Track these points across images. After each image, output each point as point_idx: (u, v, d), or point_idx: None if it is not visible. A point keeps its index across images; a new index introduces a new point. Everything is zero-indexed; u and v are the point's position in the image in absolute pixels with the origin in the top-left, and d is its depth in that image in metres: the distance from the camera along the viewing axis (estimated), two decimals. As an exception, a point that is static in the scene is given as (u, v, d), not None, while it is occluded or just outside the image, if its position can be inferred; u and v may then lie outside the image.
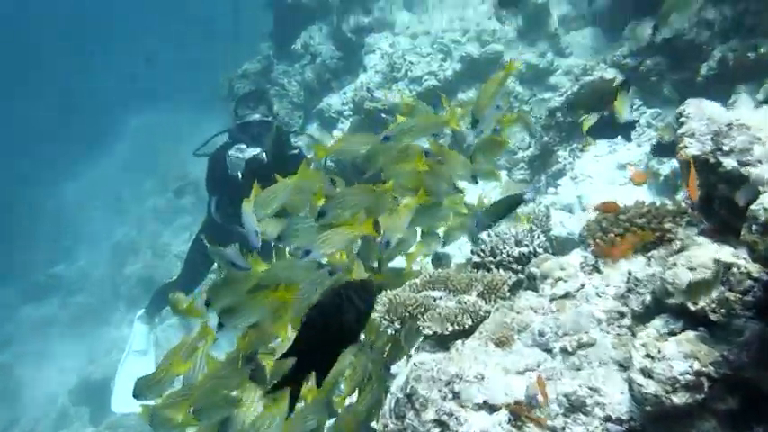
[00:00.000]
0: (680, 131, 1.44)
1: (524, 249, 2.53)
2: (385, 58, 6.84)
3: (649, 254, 2.04)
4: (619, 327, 1.79)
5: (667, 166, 3.24)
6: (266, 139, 4.18)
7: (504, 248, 2.52)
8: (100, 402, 6.50)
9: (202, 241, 4.71)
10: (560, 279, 2.01)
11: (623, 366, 1.63)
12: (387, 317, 2.07)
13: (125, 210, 11.53)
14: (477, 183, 2.58)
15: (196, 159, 4.53)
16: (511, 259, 2.51)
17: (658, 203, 2.21)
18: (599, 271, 2.04)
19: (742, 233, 1.16)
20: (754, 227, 1.12)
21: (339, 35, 7.71)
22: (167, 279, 5.58)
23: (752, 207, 1.13)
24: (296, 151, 4.49)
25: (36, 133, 17.59)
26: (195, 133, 6.50)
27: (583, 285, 1.97)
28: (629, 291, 1.83)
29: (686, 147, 1.39)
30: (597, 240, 2.09)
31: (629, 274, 1.85)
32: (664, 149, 3.30)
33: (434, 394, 1.69)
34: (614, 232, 2.09)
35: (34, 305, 9.71)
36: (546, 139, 3.95)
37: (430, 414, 1.67)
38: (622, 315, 1.83)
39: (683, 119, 1.44)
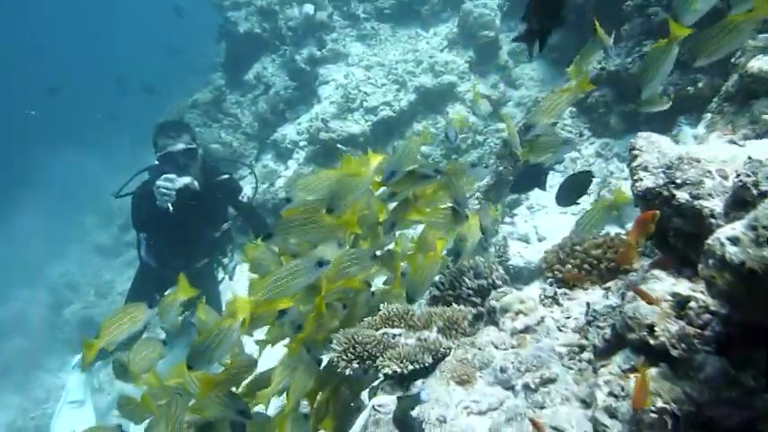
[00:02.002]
0: (633, 164, 1.45)
1: (483, 282, 2.50)
2: (339, 89, 6.86)
3: (606, 285, 2.06)
4: (579, 361, 1.78)
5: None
6: (193, 168, 4.01)
7: (464, 281, 2.49)
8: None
9: (138, 286, 4.49)
10: (520, 312, 2.00)
11: (586, 403, 1.61)
12: (345, 356, 2.00)
13: (64, 249, 11.07)
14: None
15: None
16: (470, 292, 2.48)
17: (613, 234, 2.24)
18: (558, 303, 2.04)
19: (699, 268, 1.16)
20: (711, 261, 1.12)
21: (293, 66, 7.70)
22: None
23: (708, 242, 1.13)
24: (225, 177, 4.32)
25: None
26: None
27: (543, 318, 1.96)
28: (588, 323, 1.83)
29: (640, 179, 1.40)
30: (557, 272, 2.09)
31: (588, 306, 1.85)
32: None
33: (395, 439, 1.63)
34: (571, 263, 2.10)
35: (-39, 352, 9.13)
36: (501, 168, 3.98)
37: (391, 460, 1.60)
38: (583, 348, 1.82)
39: (635, 152, 1.45)
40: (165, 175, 3.82)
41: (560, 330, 1.92)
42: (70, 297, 9.18)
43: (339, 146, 6.32)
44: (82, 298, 8.98)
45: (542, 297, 2.05)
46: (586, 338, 1.84)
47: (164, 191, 3.77)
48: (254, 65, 8.61)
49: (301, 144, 6.99)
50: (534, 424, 1.44)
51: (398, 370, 1.88)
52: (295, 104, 7.69)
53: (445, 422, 1.63)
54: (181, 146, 3.98)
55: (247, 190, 4.95)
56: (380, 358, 1.95)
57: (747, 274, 1.05)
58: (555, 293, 2.04)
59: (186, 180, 3.87)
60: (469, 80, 6.14)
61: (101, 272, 9.57)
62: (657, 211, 1.33)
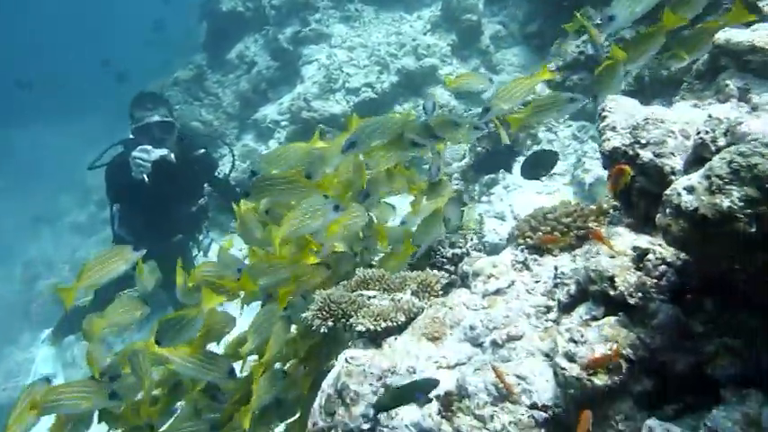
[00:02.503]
0: (602, 125, 1.51)
1: (458, 251, 2.56)
2: (322, 70, 6.85)
3: (574, 252, 2.13)
4: (546, 321, 1.85)
5: (591, 176, 3.39)
6: (169, 141, 3.97)
7: (439, 250, 2.55)
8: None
9: None
10: (492, 276, 2.06)
11: (550, 357, 1.67)
12: (320, 315, 2.04)
13: (38, 228, 10.92)
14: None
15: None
16: (444, 260, 2.54)
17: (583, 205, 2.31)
18: (528, 268, 2.10)
19: (657, 218, 1.22)
20: (668, 210, 1.18)
21: (275, 45, 7.67)
22: (80, 300, 5.25)
23: (666, 192, 1.19)
24: (201, 151, 4.31)
25: None
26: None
27: (513, 282, 2.02)
28: (555, 286, 1.90)
29: (608, 139, 1.46)
30: (528, 238, 2.15)
31: (556, 269, 1.92)
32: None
33: (365, 389, 1.68)
34: (542, 231, 2.16)
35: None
36: (479, 149, 4.04)
37: (360, 409, 1.65)
38: (549, 309, 1.89)
39: (604, 113, 1.51)
40: (140, 146, 3.80)
41: (529, 293, 1.99)
42: (44, 273, 9.07)
43: (321, 126, 6.33)
44: (56, 274, 8.87)
45: (513, 262, 2.11)
46: (553, 300, 1.91)
47: (139, 162, 3.75)
48: (237, 44, 8.54)
49: (283, 124, 6.98)
50: (495, 371, 1.50)
51: (372, 327, 1.93)
52: (277, 84, 7.66)
53: (414, 373, 1.69)
54: (157, 118, 3.95)
55: (225, 168, 4.95)
56: (354, 317, 2.01)
57: (700, 220, 1.12)
58: (525, 259, 2.11)
59: (162, 152, 3.84)
60: (451, 64, 6.19)
61: (76, 250, 9.46)
62: (627, 166, 1.39)
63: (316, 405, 1.77)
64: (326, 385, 1.78)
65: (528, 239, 2.18)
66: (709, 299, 1.32)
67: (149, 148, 3.79)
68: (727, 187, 1.08)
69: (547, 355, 1.69)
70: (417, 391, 1.53)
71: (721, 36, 1.69)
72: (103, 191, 4.29)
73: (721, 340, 1.30)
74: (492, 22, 6.27)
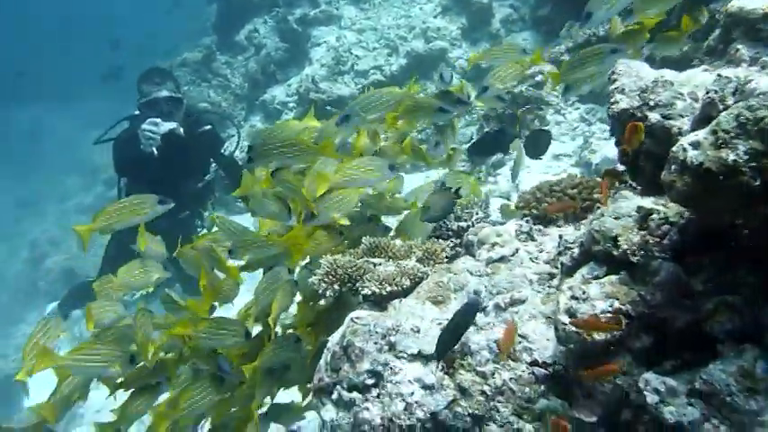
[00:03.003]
0: (611, 87, 1.52)
1: (463, 224, 2.58)
2: (331, 52, 6.85)
3: (579, 222, 2.15)
4: (549, 287, 1.88)
5: (598, 156, 3.40)
6: (176, 116, 3.97)
7: (444, 223, 2.57)
8: (11, 399, 6.15)
9: (119, 236, 4.43)
10: (496, 244, 2.08)
11: (551, 319, 1.70)
12: (326, 279, 2.07)
13: (43, 210, 10.99)
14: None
15: None
16: (450, 233, 2.56)
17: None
18: (533, 238, 2.12)
19: (662, 175, 1.24)
20: (673, 167, 1.20)
21: (285, 27, 7.67)
22: (87, 276, 5.27)
23: (672, 150, 1.20)
24: (208, 127, 4.28)
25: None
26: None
27: (517, 250, 2.04)
28: (559, 254, 1.91)
29: (616, 102, 1.47)
30: (533, 209, 2.17)
31: (560, 237, 1.94)
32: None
33: (370, 346, 1.71)
34: (548, 202, 2.18)
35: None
36: (486, 129, 4.05)
37: (365, 365, 1.68)
38: (553, 276, 1.91)
39: (614, 76, 1.52)
40: (150, 119, 3.81)
41: (533, 261, 2.01)
42: (51, 252, 9.14)
43: (329, 108, 6.34)
44: (65, 251, 8.93)
45: (518, 232, 2.13)
46: (556, 268, 1.93)
47: (149, 134, 3.76)
48: (246, 26, 8.55)
49: (290, 105, 7.00)
50: (508, 327, 1.52)
51: (377, 291, 1.96)
52: (286, 66, 7.67)
53: (419, 332, 1.72)
54: (165, 93, 3.97)
55: (231, 147, 4.97)
56: (360, 281, 2.03)
57: (704, 173, 1.13)
58: (530, 229, 2.13)
59: (172, 125, 3.85)
60: (461, 47, 6.18)
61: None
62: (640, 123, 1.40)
63: (322, 362, 1.80)
64: (332, 343, 1.81)
65: (533, 210, 2.20)
66: (710, 258, 1.34)
67: (159, 121, 3.80)
68: (734, 141, 1.10)
69: (548, 318, 1.71)
70: (467, 317, 1.53)
71: (735, 4, 1.69)
72: (111, 169, 4.31)
73: (720, 298, 1.32)
74: (503, 6, 6.26)
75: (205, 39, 9.23)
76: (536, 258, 2.03)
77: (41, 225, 10.34)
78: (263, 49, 7.99)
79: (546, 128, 3.84)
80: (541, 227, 2.15)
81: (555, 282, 1.88)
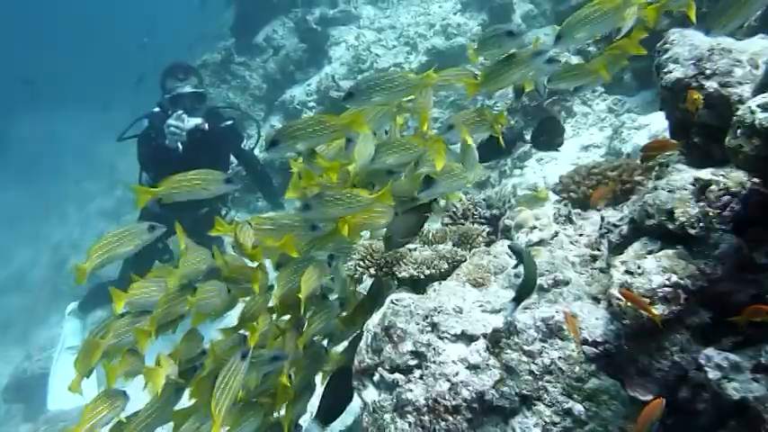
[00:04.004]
0: (663, 58, 1.48)
1: (496, 212, 2.55)
2: (350, 50, 6.84)
3: (621, 204, 2.10)
4: (592, 269, 1.83)
5: (629, 145, 3.34)
6: (200, 111, 3.95)
7: (477, 210, 2.53)
8: (35, 399, 6.19)
9: None
10: (535, 228, 2.04)
11: (597, 300, 1.66)
12: (362, 263, 2.04)
13: (66, 214, 11.10)
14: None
15: None
16: (483, 220, 2.53)
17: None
18: (572, 222, 2.08)
19: (726, 140, 1.19)
20: (739, 131, 1.15)
21: (304, 27, 7.67)
22: (108, 278, 5.28)
23: (738, 112, 1.16)
24: (230, 122, 4.26)
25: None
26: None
27: (557, 233, 2.00)
28: (601, 236, 1.87)
29: (670, 71, 1.43)
30: (572, 192, 2.13)
31: (602, 219, 1.89)
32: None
33: (412, 327, 1.68)
34: (587, 185, 2.14)
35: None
36: (512, 122, 4.01)
37: (408, 346, 1.65)
38: (595, 259, 1.87)
39: (667, 45, 1.48)
40: (176, 114, 3.82)
41: (573, 244, 1.97)
42: (72, 255, 9.23)
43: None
44: (84, 254, 8.99)
45: (556, 215, 2.09)
46: (599, 250, 1.89)
47: (174, 130, 3.76)
48: (264, 27, 8.56)
49: (310, 105, 6.99)
50: (565, 315, 1.48)
51: (415, 274, 1.93)
52: (305, 66, 7.66)
53: (461, 312, 1.68)
54: (189, 88, 3.97)
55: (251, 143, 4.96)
56: (397, 266, 2.00)
57: (774, 136, 1.09)
58: (569, 212, 2.09)
59: (197, 121, 3.85)
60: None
61: (104, 231, 9.62)
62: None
63: (362, 344, 1.77)
64: (372, 325, 1.78)
65: (572, 194, 2.16)
66: (774, 230, 1.29)
67: (184, 115, 3.80)
68: (806, 100, 1.06)
69: (595, 299, 1.67)
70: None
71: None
72: (130, 172, 4.32)
73: (785, 272, 1.27)
74: (524, 1, 6.20)
75: (223, 42, 9.26)
76: (576, 241, 1.99)
77: (64, 229, 10.44)
78: (281, 49, 7.99)
79: (552, 115, 3.74)
80: (580, 210, 2.11)
81: (597, 264, 1.83)
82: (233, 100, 8.24)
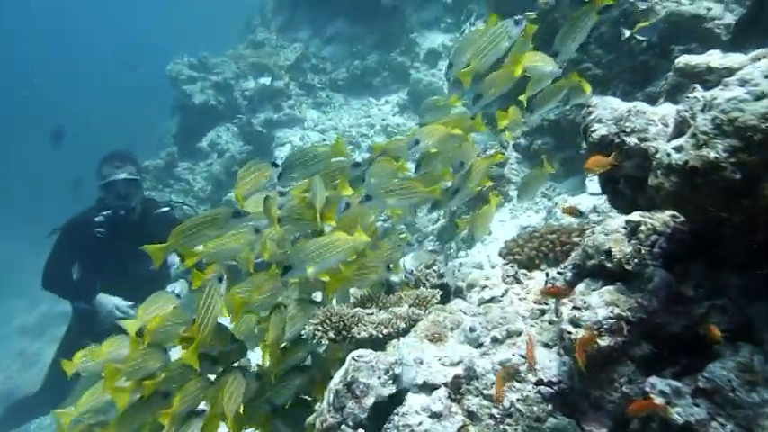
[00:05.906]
0: (588, 119, 1.68)
1: (444, 280, 2.65)
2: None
3: (563, 264, 2.25)
4: (541, 321, 1.93)
5: (563, 224, 3.58)
6: (135, 198, 4.05)
7: (429, 279, 2.63)
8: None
9: (73, 335, 4.27)
10: (486, 287, 2.15)
11: (549, 346, 1.75)
12: (321, 327, 2.07)
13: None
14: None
15: None
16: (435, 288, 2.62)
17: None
18: (519, 281, 2.20)
19: (649, 181, 1.36)
20: (659, 172, 1.33)
21: (249, 130, 7.95)
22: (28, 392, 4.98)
23: (656, 157, 1.34)
24: (164, 209, 4.31)
25: None
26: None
27: (506, 291, 2.11)
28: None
29: (595, 130, 1.63)
30: (516, 255, 2.27)
31: (547, 275, 2.02)
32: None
33: (374, 381, 1.70)
34: (529, 247, 2.29)
35: None
36: (454, 209, 4.22)
37: (371, 400, 1.67)
38: (543, 312, 1.98)
39: (590, 108, 1.69)
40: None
41: (522, 300, 2.08)
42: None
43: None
44: (2, 372, 8.44)
45: (504, 276, 2.22)
46: (546, 304, 2.00)
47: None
48: (208, 133, 8.79)
49: (255, 202, 7.10)
50: (529, 340, 1.57)
51: (374, 333, 1.98)
52: (250, 166, 7.85)
53: (422, 363, 1.72)
54: (124, 175, 4.02)
55: None
56: (356, 327, 2.04)
57: (690, 172, 1.26)
58: (516, 273, 2.21)
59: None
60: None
61: (26, 347, 9.08)
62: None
63: (324, 405, 1.77)
64: (333, 384, 1.79)
65: (517, 256, 2.30)
66: (697, 264, 1.45)
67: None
68: (713, 141, 1.24)
69: (546, 345, 1.76)
70: None
71: (681, 60, 1.93)
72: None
73: (710, 302, 1.41)
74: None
75: (166, 149, 9.39)
76: (524, 298, 2.10)
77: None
78: (226, 152, 8.20)
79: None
80: (526, 271, 2.24)
81: (546, 317, 1.94)
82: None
